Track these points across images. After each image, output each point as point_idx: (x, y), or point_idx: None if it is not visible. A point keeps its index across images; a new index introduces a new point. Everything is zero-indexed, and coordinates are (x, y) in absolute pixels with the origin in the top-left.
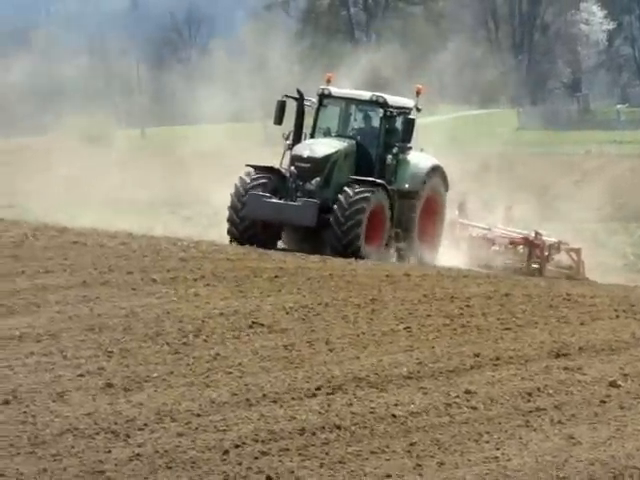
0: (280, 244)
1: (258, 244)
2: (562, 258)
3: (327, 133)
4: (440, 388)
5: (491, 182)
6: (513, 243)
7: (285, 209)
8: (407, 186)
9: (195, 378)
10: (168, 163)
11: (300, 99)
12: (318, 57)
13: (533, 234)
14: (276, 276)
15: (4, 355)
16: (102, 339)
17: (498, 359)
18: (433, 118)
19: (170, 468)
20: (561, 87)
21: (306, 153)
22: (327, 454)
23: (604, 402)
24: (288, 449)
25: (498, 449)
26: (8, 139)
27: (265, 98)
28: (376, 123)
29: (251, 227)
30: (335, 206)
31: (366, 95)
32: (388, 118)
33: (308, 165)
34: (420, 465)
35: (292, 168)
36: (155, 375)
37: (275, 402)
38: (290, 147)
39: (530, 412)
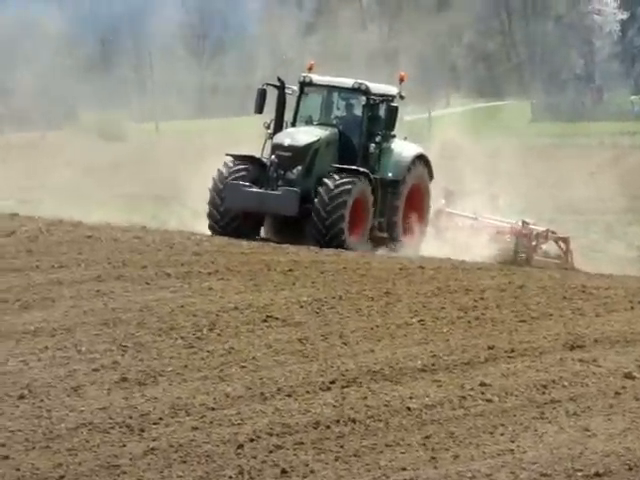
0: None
1: (239, 235)
2: (551, 248)
3: (309, 121)
4: (455, 381)
5: (502, 174)
6: (500, 233)
7: (266, 198)
8: (390, 175)
9: (209, 372)
10: (181, 157)
11: (281, 87)
12: (329, 50)
13: (520, 223)
14: (290, 270)
15: (19, 350)
16: (116, 333)
17: (513, 351)
18: (446, 110)
19: (185, 462)
20: (574, 78)
21: (287, 141)
22: (342, 447)
23: (619, 394)
24: (303, 443)
25: (513, 441)
26: (22, 134)
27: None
28: (358, 111)
29: (232, 221)
30: (317, 195)
31: (348, 82)
32: (371, 106)
33: (289, 154)
34: (435, 458)
35: (273, 157)
36: (169, 369)
37: (289, 396)
38: (271, 136)
39: (545, 404)
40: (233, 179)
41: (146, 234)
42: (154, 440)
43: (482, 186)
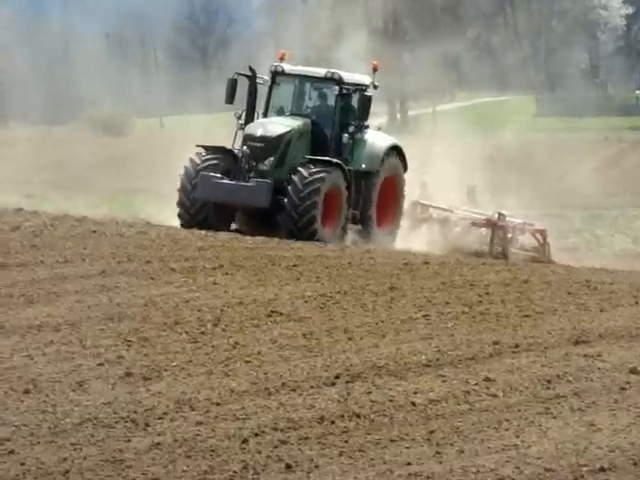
0: (233, 226)
1: (210, 227)
2: (527, 240)
3: (281, 112)
4: (459, 376)
5: (505, 168)
6: (475, 225)
7: (237, 190)
8: (364, 166)
9: (214, 367)
10: (186, 151)
11: (252, 77)
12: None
13: (496, 215)
14: (294, 265)
15: (24, 344)
16: (121, 328)
17: (517, 346)
18: (451, 105)
19: (189, 457)
20: (579, 73)
21: (259, 132)
22: (346, 442)
23: (624, 389)
24: (307, 437)
25: (518, 436)
26: (26, 128)
27: None
28: (331, 101)
29: (202, 210)
30: (289, 187)
31: (321, 72)
32: (344, 96)
33: (261, 144)
34: (440, 453)
35: (244, 148)
36: (174, 364)
37: (294, 391)
38: (242, 127)
39: (550, 399)
40: (204, 170)
41: (150, 229)
42: (159, 435)
43: (481, 181)
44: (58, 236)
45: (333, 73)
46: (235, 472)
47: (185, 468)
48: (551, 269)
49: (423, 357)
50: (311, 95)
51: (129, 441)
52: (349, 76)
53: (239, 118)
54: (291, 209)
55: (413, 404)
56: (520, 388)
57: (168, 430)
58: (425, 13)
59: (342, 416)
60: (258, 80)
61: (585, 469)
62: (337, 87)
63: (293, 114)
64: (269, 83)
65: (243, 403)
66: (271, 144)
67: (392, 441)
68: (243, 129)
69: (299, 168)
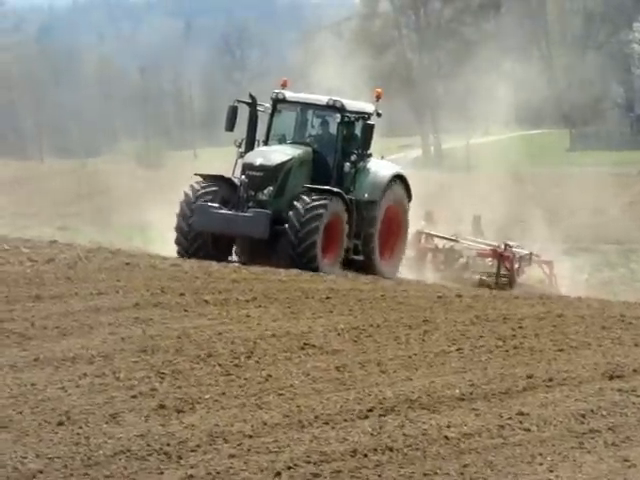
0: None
1: (208, 257)
2: (533, 272)
3: (282, 140)
4: (493, 410)
5: (538, 202)
6: (481, 255)
7: (235, 220)
8: (366, 195)
9: (247, 399)
10: None
11: (253, 104)
12: (369, 78)
13: (503, 246)
14: (327, 297)
15: (57, 377)
16: (154, 360)
17: (551, 380)
18: (485, 139)
19: None
20: (614, 107)
21: (258, 161)
22: (379, 476)
23: None
24: (340, 471)
25: (552, 471)
26: (63, 161)
27: None
28: (333, 129)
29: (199, 239)
30: (291, 212)
31: (323, 99)
32: (346, 124)
33: (260, 173)
34: None
35: (243, 177)
36: (207, 396)
37: (327, 424)
38: (242, 155)
39: (584, 434)
40: (202, 200)
41: (184, 261)
42: (192, 467)
43: (512, 214)
44: (92, 268)
45: (335, 101)
46: None
47: None
48: (586, 303)
49: (456, 391)
50: (313, 123)
51: (162, 474)
52: (352, 104)
53: (239, 146)
54: (292, 234)
55: (446, 438)
56: (554, 422)
57: (201, 463)
58: (458, 46)
59: (375, 450)
60: (259, 107)
61: None
62: (339, 115)
63: (294, 142)
64: (270, 110)
65: (276, 436)
66: (270, 173)
67: (425, 475)
68: (242, 157)
69: (299, 198)
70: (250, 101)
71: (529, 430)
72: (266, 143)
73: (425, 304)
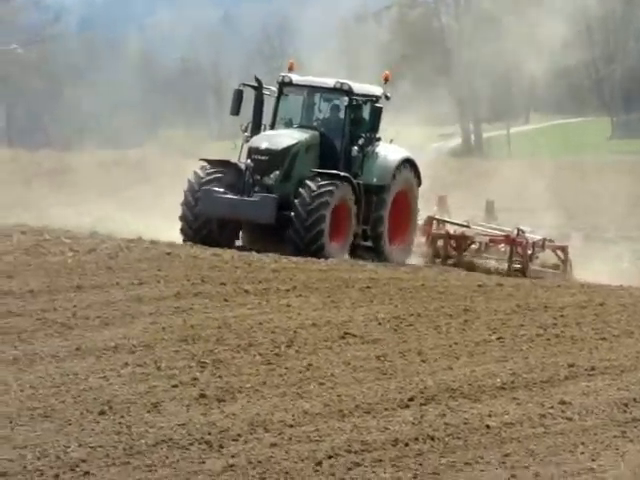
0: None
1: (213, 244)
2: (548, 257)
3: (289, 124)
4: (534, 399)
5: (581, 190)
6: (493, 241)
7: (241, 205)
8: (375, 180)
9: (287, 389)
10: None
11: (259, 87)
12: (409, 68)
13: (515, 231)
14: (368, 287)
15: (99, 366)
16: (195, 350)
17: (593, 369)
18: (525, 127)
19: (263, 479)
20: None
21: (264, 145)
22: (421, 465)
23: None
24: (381, 460)
25: (594, 460)
26: (102, 151)
27: None
28: (341, 112)
29: (205, 225)
30: (296, 200)
31: (330, 82)
32: (354, 107)
33: (266, 158)
34: (515, 476)
35: (249, 161)
36: (248, 386)
37: (368, 413)
38: (248, 139)
39: (626, 423)
40: (207, 184)
41: (224, 251)
42: (233, 457)
43: (551, 203)
44: (133, 258)
45: (342, 83)
46: None
47: None
48: (628, 292)
49: (497, 380)
50: (320, 106)
51: (203, 463)
52: (359, 87)
53: (245, 130)
54: (298, 223)
55: (487, 427)
56: (596, 411)
57: (242, 452)
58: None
59: (416, 439)
60: (265, 91)
61: None
62: (347, 98)
63: (301, 126)
64: (276, 94)
65: (317, 425)
66: (277, 157)
67: (466, 464)
68: (249, 142)
69: (307, 181)
70: (256, 84)
71: (571, 419)
72: (272, 127)
73: (465, 293)
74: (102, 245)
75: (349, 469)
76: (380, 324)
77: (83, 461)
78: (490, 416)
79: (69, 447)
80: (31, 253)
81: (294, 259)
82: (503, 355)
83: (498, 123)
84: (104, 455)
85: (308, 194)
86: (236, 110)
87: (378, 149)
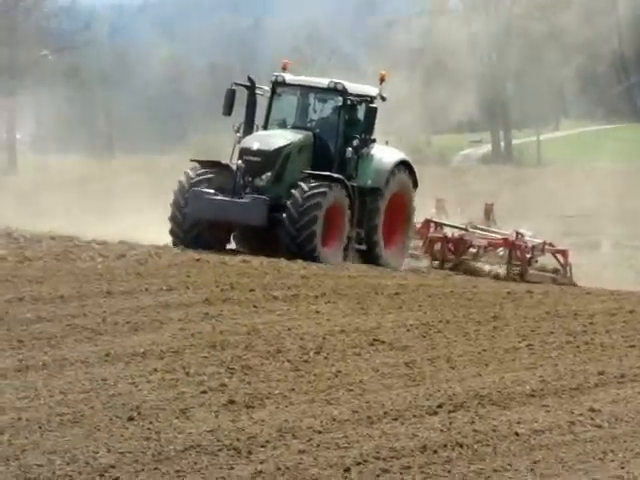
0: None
1: (204, 246)
2: (548, 261)
3: (282, 125)
4: (563, 406)
5: (610, 196)
6: (492, 245)
7: (231, 207)
8: (369, 182)
9: (316, 395)
10: None
11: (251, 87)
12: (438, 75)
13: (514, 235)
14: (397, 293)
15: (128, 372)
16: (224, 356)
17: (623, 377)
18: (555, 134)
19: None
20: None
21: (256, 145)
22: (449, 472)
23: None
24: (410, 467)
25: (623, 468)
26: (130, 156)
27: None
28: (335, 113)
29: (195, 227)
30: (288, 202)
31: (324, 82)
32: (348, 107)
33: (258, 159)
34: None
35: (240, 162)
36: (276, 392)
37: (396, 419)
38: (240, 140)
39: None
40: (197, 185)
41: (253, 258)
42: (261, 463)
43: (582, 208)
44: (162, 264)
45: (337, 83)
46: None
47: None
48: None
49: (527, 387)
50: (314, 107)
51: (232, 469)
52: (354, 87)
53: (237, 131)
54: (290, 224)
55: (516, 434)
56: (626, 419)
57: (271, 458)
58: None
59: (445, 445)
60: (258, 91)
61: None
62: (341, 98)
63: (295, 127)
64: (269, 94)
65: (345, 431)
66: (268, 158)
67: (495, 471)
68: (241, 142)
69: (299, 182)
70: (249, 84)
71: (600, 427)
72: (265, 128)
73: (494, 300)
74: (131, 251)
75: (377, 476)
76: (409, 330)
77: (112, 467)
78: (519, 423)
79: (98, 453)
80: (61, 259)
81: (322, 266)
82: (532, 362)
83: (528, 130)
84: (133, 461)
85: (300, 195)
86: (228, 110)
87: (373, 151)
